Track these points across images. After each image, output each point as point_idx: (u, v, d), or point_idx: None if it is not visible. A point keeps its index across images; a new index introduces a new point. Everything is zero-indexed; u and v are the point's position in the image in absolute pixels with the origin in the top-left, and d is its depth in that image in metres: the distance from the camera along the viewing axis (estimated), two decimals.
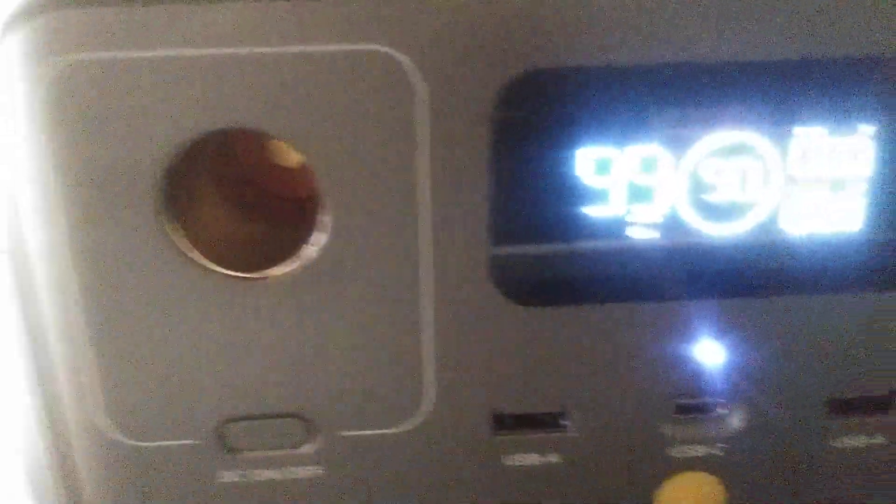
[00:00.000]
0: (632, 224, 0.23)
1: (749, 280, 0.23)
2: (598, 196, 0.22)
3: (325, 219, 0.21)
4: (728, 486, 0.26)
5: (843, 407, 0.25)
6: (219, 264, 0.22)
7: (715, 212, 0.23)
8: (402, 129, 0.21)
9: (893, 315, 0.24)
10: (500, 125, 0.21)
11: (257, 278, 0.22)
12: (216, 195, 0.24)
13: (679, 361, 0.24)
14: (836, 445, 0.26)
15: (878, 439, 0.26)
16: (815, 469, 0.26)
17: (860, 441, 0.26)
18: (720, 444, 0.25)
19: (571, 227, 0.23)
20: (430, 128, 0.21)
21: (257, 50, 0.19)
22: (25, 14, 0.19)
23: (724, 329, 0.24)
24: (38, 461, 0.26)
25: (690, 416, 0.25)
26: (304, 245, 0.22)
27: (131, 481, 0.25)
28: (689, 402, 0.25)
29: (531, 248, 0.23)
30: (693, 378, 0.24)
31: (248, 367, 0.23)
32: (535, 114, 0.22)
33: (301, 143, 0.21)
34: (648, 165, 0.22)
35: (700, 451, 0.25)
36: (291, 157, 0.25)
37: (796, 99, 0.22)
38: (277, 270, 0.22)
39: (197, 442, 0.24)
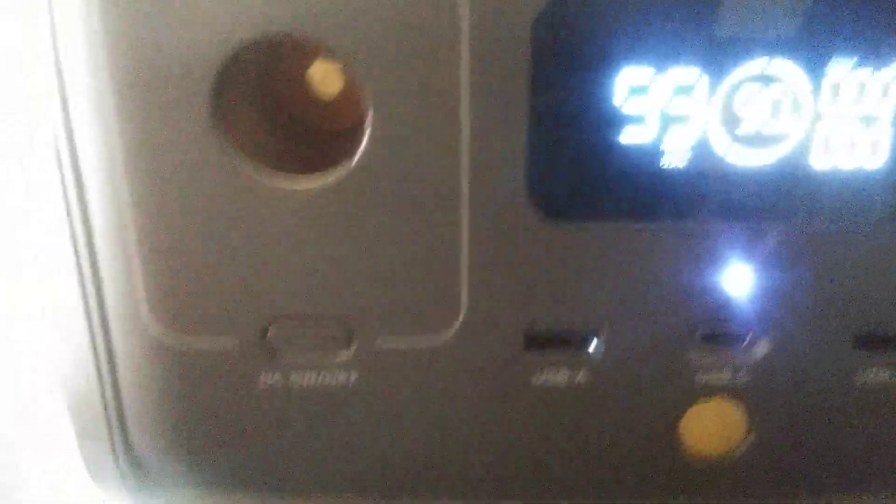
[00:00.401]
0: (665, 148, 0.23)
1: (776, 209, 0.24)
2: (634, 119, 0.23)
3: (367, 130, 0.23)
4: (751, 414, 0.27)
5: (869, 342, 0.26)
6: (265, 171, 0.23)
7: (745, 141, 0.23)
8: (445, 42, 0.22)
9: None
10: (539, 45, 0.22)
11: (302, 184, 0.23)
12: (264, 106, 0.25)
13: (706, 287, 0.25)
14: (861, 380, 0.26)
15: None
16: (838, 403, 0.26)
17: (885, 377, 0.26)
18: (744, 372, 0.26)
19: (607, 148, 0.23)
20: (471, 44, 0.22)
21: None
22: None
23: (751, 256, 0.24)
24: (80, 366, 0.27)
25: (716, 343, 0.26)
26: (347, 155, 0.23)
27: (173, 381, 0.26)
28: (715, 328, 0.25)
29: (567, 167, 0.24)
30: (719, 304, 0.25)
31: (291, 270, 0.24)
32: (573, 34, 0.22)
33: (345, 50, 0.22)
34: (683, 91, 0.23)
35: (724, 378, 0.26)
36: (331, 86, 0.26)
37: (830, 33, 0.22)
38: (321, 179, 0.23)
39: (240, 342, 0.25)
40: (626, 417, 0.27)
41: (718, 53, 0.23)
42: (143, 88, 0.22)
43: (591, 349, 0.26)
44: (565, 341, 0.26)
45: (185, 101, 0.22)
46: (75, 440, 0.29)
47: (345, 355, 0.26)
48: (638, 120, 0.23)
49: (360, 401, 0.26)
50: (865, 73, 0.23)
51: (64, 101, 0.23)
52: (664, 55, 0.22)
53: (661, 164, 0.24)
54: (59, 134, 0.23)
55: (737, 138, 0.23)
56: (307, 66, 0.26)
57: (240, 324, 0.25)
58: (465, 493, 0.28)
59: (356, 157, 0.23)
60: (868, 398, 0.26)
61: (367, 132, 0.23)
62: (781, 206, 0.24)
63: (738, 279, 0.25)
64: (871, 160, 0.23)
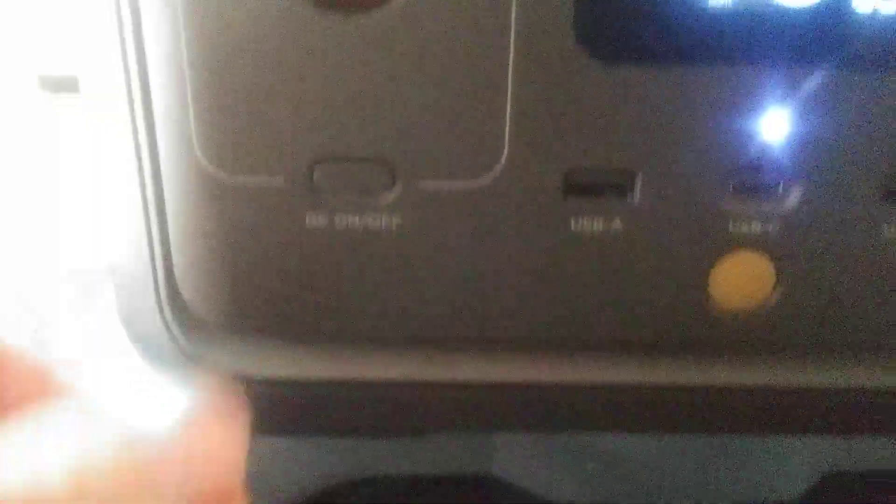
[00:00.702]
0: None
1: (817, 52, 0.25)
2: None
3: None
4: (779, 267, 0.27)
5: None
6: (313, 2, 0.24)
7: None
8: None
9: None
10: None
11: (351, 17, 0.24)
12: None
13: (743, 133, 0.25)
14: (889, 235, 0.27)
15: None
16: (866, 256, 0.27)
17: None
18: (775, 223, 0.27)
19: None
20: None
21: None
22: None
23: (789, 102, 0.25)
24: (130, 210, 0.28)
25: (749, 192, 0.26)
26: None
27: (219, 217, 0.27)
28: (749, 178, 0.26)
29: (615, 8, 0.24)
30: (754, 152, 0.26)
31: (338, 108, 0.25)
32: None
33: None
34: None
35: (756, 228, 0.27)
36: None
37: None
38: (368, 15, 0.24)
39: (285, 180, 0.26)
40: (658, 266, 0.27)
41: None
42: None
43: (628, 197, 0.26)
44: (604, 188, 0.26)
45: None
46: (115, 297, 0.30)
47: (388, 198, 0.26)
48: None
49: (404, 243, 0.27)
50: None
51: None
52: None
53: (706, 5, 0.24)
54: None
55: None
56: None
57: (286, 163, 0.26)
58: (501, 336, 0.29)
59: None
60: (894, 252, 0.27)
61: None
62: (822, 50, 0.25)
63: (774, 126, 0.25)
64: None
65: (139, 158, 0.27)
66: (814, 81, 0.25)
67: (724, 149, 0.26)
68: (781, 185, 0.27)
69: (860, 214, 0.27)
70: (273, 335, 0.29)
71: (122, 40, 0.25)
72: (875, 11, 0.24)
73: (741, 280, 0.28)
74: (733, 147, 0.26)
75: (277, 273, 0.27)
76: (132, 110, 0.26)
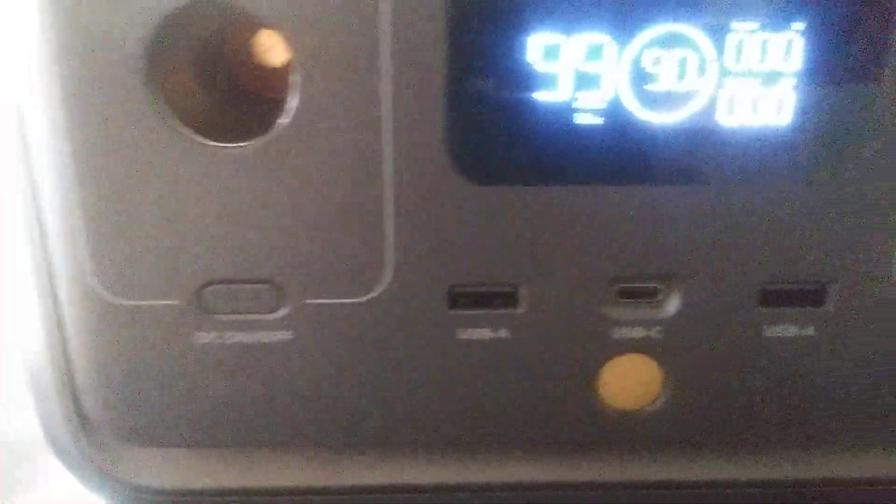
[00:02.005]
0: (578, 109, 0.25)
1: (686, 167, 0.25)
2: (547, 81, 0.24)
3: (295, 95, 0.24)
4: (666, 369, 0.28)
5: (775, 297, 0.27)
6: (198, 134, 0.24)
7: (655, 100, 0.24)
8: (366, 8, 0.23)
9: (820, 207, 0.25)
10: (455, 10, 0.23)
11: (234, 147, 0.25)
12: (204, 72, 0.26)
13: (621, 243, 0.26)
14: (768, 335, 0.27)
15: (810, 331, 0.27)
16: (748, 358, 0.28)
17: (791, 332, 0.27)
18: (658, 328, 0.27)
19: (522, 110, 0.24)
20: (391, 8, 0.23)
21: None
22: None
23: (663, 214, 0.26)
24: (32, 324, 0.28)
25: (631, 298, 0.27)
26: (277, 118, 0.24)
27: (115, 339, 0.27)
28: (630, 284, 0.27)
29: (484, 129, 0.25)
30: (633, 262, 0.26)
31: (225, 233, 0.26)
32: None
33: (272, 15, 0.23)
34: (594, 53, 0.24)
35: (639, 333, 0.27)
36: (277, 55, 0.27)
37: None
38: (252, 140, 0.24)
39: (177, 302, 0.26)
40: (547, 373, 0.28)
41: (627, 18, 0.24)
42: (79, 51, 0.23)
43: (513, 306, 0.27)
44: (488, 299, 0.27)
45: (121, 67, 0.23)
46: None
47: (277, 315, 0.27)
48: (551, 80, 0.24)
49: (294, 358, 0.27)
50: (767, 33, 0.24)
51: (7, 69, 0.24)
52: (574, 19, 0.24)
53: (574, 126, 0.25)
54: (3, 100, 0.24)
55: (647, 97, 0.24)
56: (253, 34, 0.27)
57: (176, 285, 0.26)
58: (393, 442, 0.29)
59: (283, 122, 0.24)
60: (775, 351, 0.28)
61: (294, 97, 0.24)
62: (692, 164, 0.25)
63: (650, 236, 0.26)
64: (776, 118, 0.25)
65: (38, 285, 0.27)
66: (685, 194, 0.25)
67: (603, 260, 0.26)
68: (662, 291, 0.27)
69: (741, 317, 0.27)
70: (172, 447, 0.30)
71: (14, 170, 0.26)
72: (741, 126, 0.25)
73: (629, 381, 0.28)
74: (612, 258, 0.26)
75: (172, 389, 0.28)
76: (31, 238, 0.26)
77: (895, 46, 0.24)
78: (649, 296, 0.27)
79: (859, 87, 0.24)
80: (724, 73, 0.24)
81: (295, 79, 0.24)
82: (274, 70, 0.27)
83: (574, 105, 0.24)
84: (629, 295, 0.27)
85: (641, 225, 0.26)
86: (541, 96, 0.24)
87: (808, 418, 0.29)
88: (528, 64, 0.24)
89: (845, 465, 0.31)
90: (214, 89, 0.26)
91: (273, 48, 0.27)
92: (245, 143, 0.25)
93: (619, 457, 0.30)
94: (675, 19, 0.24)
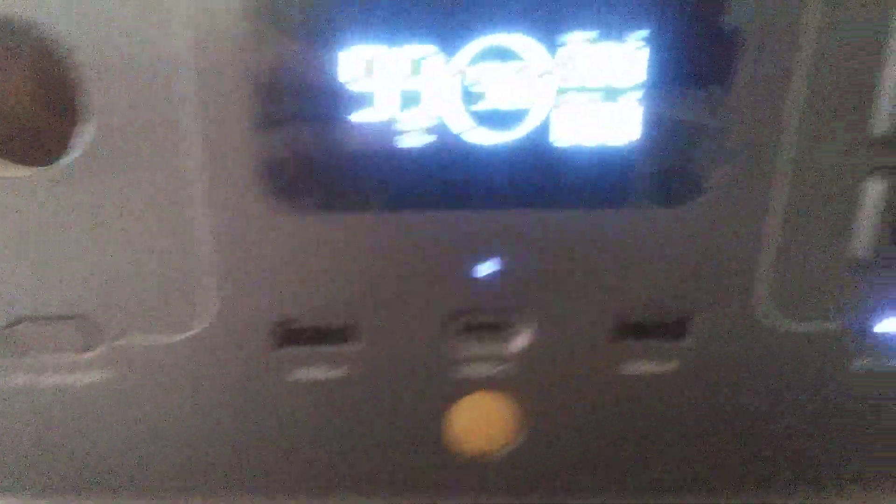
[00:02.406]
0: (400, 130, 0.22)
1: (525, 191, 0.23)
2: (363, 100, 0.22)
3: (89, 120, 0.21)
4: (521, 407, 0.26)
5: (632, 330, 0.25)
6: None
7: (484, 119, 0.22)
8: (162, 25, 0.20)
9: (674, 233, 0.23)
10: (257, 24, 0.20)
11: (28, 174, 0.22)
12: None
13: (460, 275, 0.24)
14: (626, 371, 0.25)
15: (672, 366, 0.25)
16: (607, 394, 0.25)
17: (652, 367, 0.25)
18: (508, 364, 0.25)
19: (337, 133, 0.22)
20: (191, 26, 0.20)
21: None
22: None
23: (503, 242, 0.23)
24: None
25: (477, 333, 0.25)
26: (72, 142, 0.22)
27: None
28: (475, 319, 0.25)
29: (297, 155, 0.22)
30: (475, 293, 0.24)
31: (34, 266, 0.23)
32: (296, 13, 0.21)
33: (66, 36, 0.20)
34: (415, 68, 0.22)
35: (488, 370, 0.25)
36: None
37: (564, 3, 0.21)
38: (47, 166, 0.22)
39: None
40: (388, 415, 0.26)
41: (450, 30, 0.21)
42: None
43: (348, 342, 0.25)
44: (322, 336, 0.25)
45: None
46: None
47: (92, 354, 0.25)
48: (367, 99, 0.22)
49: (113, 400, 0.25)
50: (605, 44, 0.21)
51: None
52: (390, 31, 0.21)
53: (398, 148, 0.22)
54: None
55: (475, 116, 0.22)
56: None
57: None
58: (221, 488, 0.27)
59: (76, 148, 0.22)
60: (635, 388, 0.25)
61: (89, 122, 0.21)
62: (531, 187, 0.23)
63: (492, 266, 0.24)
64: (621, 137, 0.22)
65: None
66: (523, 220, 0.23)
67: (441, 292, 0.24)
68: (509, 325, 0.25)
69: (596, 352, 0.25)
70: None
71: None
72: (582, 146, 0.22)
73: (479, 423, 0.26)
74: (451, 290, 0.24)
75: None
76: None
77: (748, 57, 0.21)
78: (496, 330, 0.25)
79: (710, 101, 0.22)
80: (561, 89, 0.22)
81: (88, 103, 0.21)
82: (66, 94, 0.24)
83: (395, 126, 0.22)
84: (474, 329, 0.25)
85: (481, 254, 0.23)
86: (357, 117, 0.22)
87: (674, 458, 0.27)
88: (341, 82, 0.22)
89: None
90: (13, 113, 0.24)
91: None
92: (37, 170, 0.22)
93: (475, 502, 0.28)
94: (503, 30, 0.21)
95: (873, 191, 0.23)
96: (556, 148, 0.22)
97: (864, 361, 0.25)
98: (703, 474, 0.27)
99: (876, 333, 0.25)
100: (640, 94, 0.22)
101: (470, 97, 0.22)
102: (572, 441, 0.26)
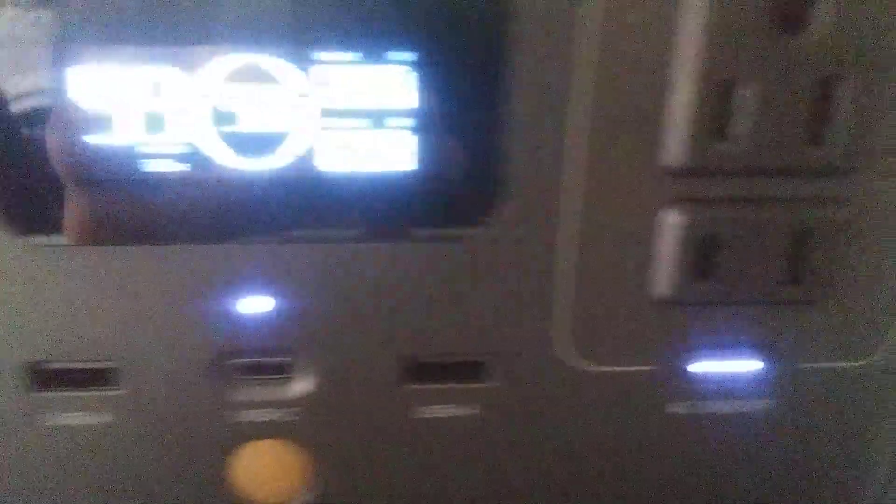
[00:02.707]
0: (145, 155, 0.20)
1: (293, 223, 0.21)
2: (102, 122, 0.20)
3: None
4: (312, 455, 0.24)
5: (423, 372, 0.23)
6: None
7: (242, 144, 0.20)
8: None
9: (459, 269, 0.21)
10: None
11: None
12: None
13: (226, 314, 0.21)
14: (420, 415, 0.23)
15: (472, 410, 0.23)
16: (404, 439, 0.23)
17: (451, 411, 0.23)
18: (291, 409, 0.23)
19: (76, 156, 0.20)
20: None
21: None
22: None
23: (274, 278, 0.21)
24: None
25: (252, 376, 0.23)
26: None
27: None
28: (250, 360, 0.22)
29: (28, 182, 0.20)
30: (247, 333, 0.22)
31: None
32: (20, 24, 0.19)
33: None
34: (156, 89, 0.19)
35: (268, 415, 0.23)
36: None
37: (320, 22, 0.19)
38: None
39: None
40: (162, 465, 0.23)
41: (195, 48, 0.19)
42: None
43: (109, 388, 0.22)
44: (82, 379, 0.22)
45: None
46: None
47: None
48: (104, 122, 0.20)
49: None
50: (369, 67, 0.19)
51: None
52: (127, 43, 0.19)
53: (142, 173, 0.20)
54: None
55: (231, 140, 0.20)
56: None
57: None
58: None
59: None
60: (434, 434, 0.23)
61: None
62: (300, 217, 0.21)
63: (263, 303, 0.22)
64: (391, 165, 0.20)
65: None
66: (294, 253, 0.21)
67: (207, 334, 0.22)
68: (291, 368, 0.23)
69: (383, 394, 0.23)
70: None
71: None
72: (347, 173, 0.20)
73: (267, 472, 0.24)
74: (218, 331, 0.22)
75: None
76: None
77: (524, 83, 0.20)
78: (276, 373, 0.23)
79: (486, 131, 0.20)
80: (325, 112, 0.20)
81: None
82: None
83: (138, 150, 0.20)
84: (253, 372, 0.23)
85: (250, 291, 0.21)
86: (95, 140, 0.20)
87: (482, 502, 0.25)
88: (72, 102, 0.19)
89: None
90: None
91: None
92: None
93: None
94: (250, 49, 0.19)
95: (669, 225, 0.21)
96: (325, 176, 0.20)
97: (681, 404, 0.24)
98: None
99: (690, 375, 0.23)
100: (411, 120, 0.20)
101: (222, 120, 0.20)
102: (372, 489, 0.24)
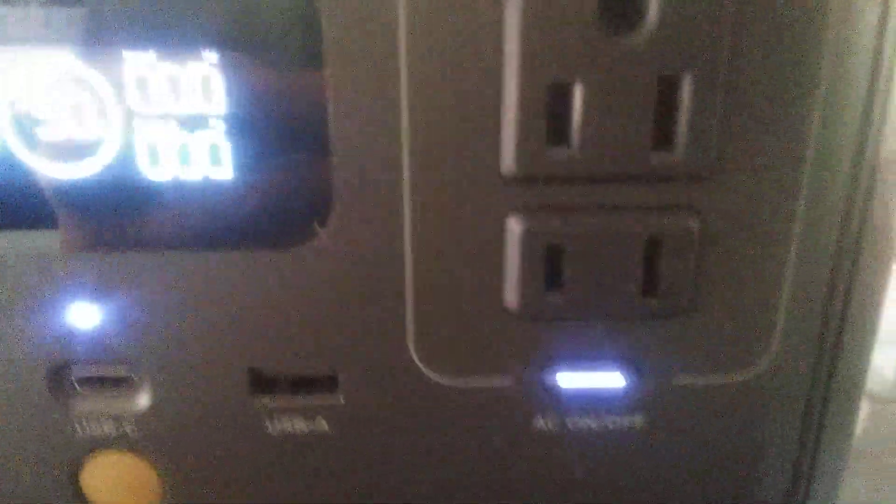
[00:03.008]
0: None
1: (115, 229, 0.20)
2: None
3: None
4: (162, 471, 0.23)
5: (271, 385, 0.22)
6: None
7: (53, 151, 0.19)
8: None
9: (296, 280, 0.20)
10: None
11: None
12: None
13: (59, 325, 0.21)
14: (273, 431, 0.22)
15: (323, 425, 0.22)
16: (252, 454, 0.23)
17: (301, 426, 0.22)
18: (134, 423, 0.22)
19: None
20: None
21: None
22: None
23: (104, 287, 0.20)
24: None
25: (98, 388, 0.22)
26: None
27: None
28: (89, 371, 0.22)
29: None
30: (88, 343, 0.21)
31: None
32: None
33: None
34: None
35: (112, 428, 0.22)
36: None
37: (119, 17, 0.18)
38: None
39: None
40: (19, 480, 0.23)
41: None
42: None
43: None
44: None
45: None
46: None
47: None
48: None
49: None
50: (173, 66, 0.18)
51: None
52: None
53: None
54: None
55: (39, 145, 0.19)
56: None
57: None
58: None
59: None
60: (279, 445, 0.23)
61: None
62: (123, 224, 0.20)
63: (95, 314, 0.21)
64: (210, 171, 0.19)
65: None
66: (121, 261, 0.20)
67: (48, 343, 0.21)
68: (133, 380, 0.22)
69: (233, 409, 0.22)
70: None
71: None
72: (168, 180, 0.19)
73: (119, 486, 0.23)
74: (60, 339, 0.21)
75: None
76: None
77: (339, 87, 0.18)
78: (118, 385, 0.22)
79: (303, 137, 0.19)
80: (138, 117, 0.19)
81: None
82: None
83: None
84: (95, 384, 0.22)
85: (80, 300, 0.21)
86: None
87: None
88: None
89: None
90: None
91: None
92: None
93: None
94: (63, 51, 0.18)
95: (512, 234, 0.20)
96: (145, 182, 0.19)
97: (547, 420, 0.22)
98: None
99: (554, 390, 0.22)
100: (224, 125, 0.19)
101: (30, 126, 0.19)
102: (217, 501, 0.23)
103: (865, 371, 0.23)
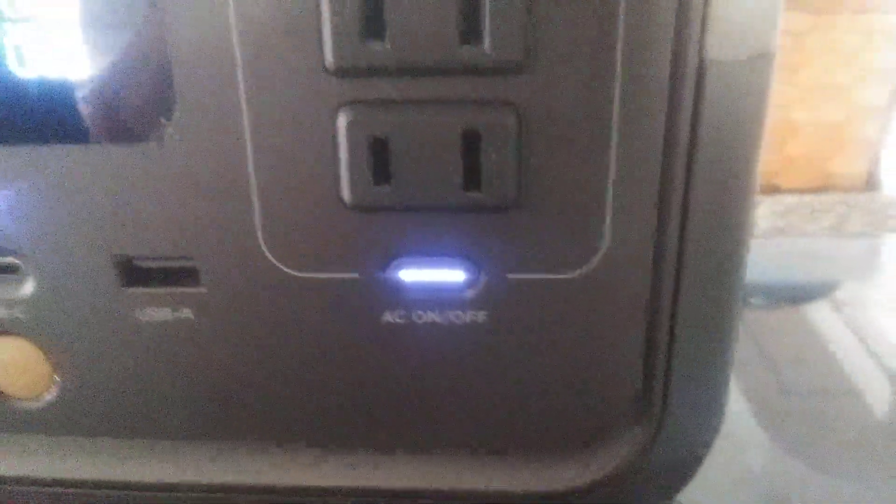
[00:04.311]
0: None
1: None
2: None
3: None
4: (50, 355, 0.25)
5: (143, 276, 0.24)
6: None
7: None
8: None
9: (155, 176, 0.22)
10: None
11: None
12: None
13: None
14: (142, 318, 0.24)
15: (186, 314, 0.24)
16: (125, 341, 0.25)
17: (166, 314, 0.24)
18: (21, 308, 0.24)
19: None
20: None
21: None
22: None
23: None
24: None
25: None
26: None
27: None
28: None
29: None
30: None
31: None
32: None
33: None
34: None
35: (4, 313, 0.24)
36: None
37: None
38: None
39: None
40: None
41: None
42: None
43: None
44: None
45: None
46: None
47: None
48: None
49: None
50: None
51: None
52: None
53: None
54: None
55: None
56: None
57: None
58: None
59: None
60: (148, 333, 0.24)
61: None
62: None
63: None
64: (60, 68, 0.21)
65: None
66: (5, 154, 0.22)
67: None
68: (21, 268, 0.24)
69: (108, 299, 0.24)
70: None
71: None
72: (41, 77, 0.21)
73: (14, 368, 0.25)
74: None
75: None
76: None
77: None
78: (9, 272, 0.24)
79: (136, 30, 0.21)
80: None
81: None
82: None
83: None
84: None
85: None
86: None
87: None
88: None
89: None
90: None
91: None
92: None
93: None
94: None
95: (339, 128, 0.21)
96: (15, 79, 0.21)
97: (395, 314, 0.24)
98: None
99: (399, 284, 0.23)
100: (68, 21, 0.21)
101: None
102: (109, 390, 0.25)
103: (734, 263, 0.23)
